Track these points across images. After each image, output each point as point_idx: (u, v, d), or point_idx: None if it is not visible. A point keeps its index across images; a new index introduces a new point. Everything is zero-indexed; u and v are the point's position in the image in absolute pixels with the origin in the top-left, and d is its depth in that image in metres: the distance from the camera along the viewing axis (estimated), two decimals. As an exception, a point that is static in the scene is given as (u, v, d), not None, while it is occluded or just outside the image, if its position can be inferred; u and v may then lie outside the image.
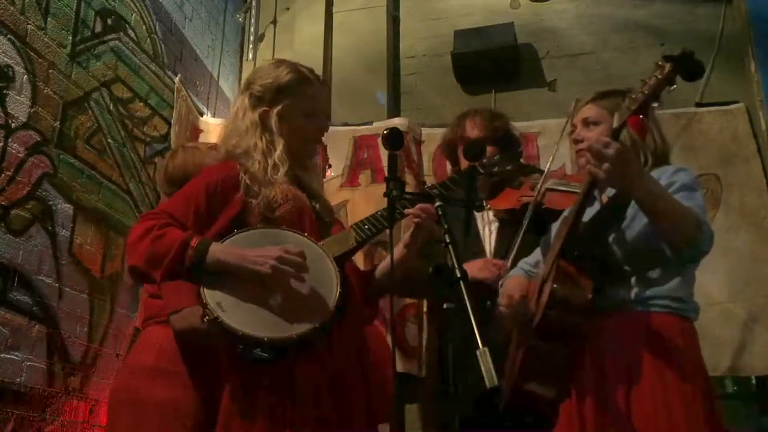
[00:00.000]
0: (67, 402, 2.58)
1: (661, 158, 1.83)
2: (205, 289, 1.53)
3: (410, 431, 3.01)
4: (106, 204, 2.94)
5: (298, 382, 1.53)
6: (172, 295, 1.97)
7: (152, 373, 2.00)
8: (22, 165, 2.48)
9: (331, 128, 2.61)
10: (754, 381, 3.20)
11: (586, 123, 1.90)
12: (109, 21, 3.08)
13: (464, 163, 2.45)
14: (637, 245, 1.68)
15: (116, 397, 2.08)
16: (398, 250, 1.79)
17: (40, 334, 2.49)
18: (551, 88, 3.90)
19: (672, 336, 1.62)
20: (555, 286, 1.59)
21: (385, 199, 1.64)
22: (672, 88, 1.57)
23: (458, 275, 1.43)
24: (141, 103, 3.27)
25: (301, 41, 4.23)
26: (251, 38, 4.36)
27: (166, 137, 3.42)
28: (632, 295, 1.68)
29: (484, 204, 2.44)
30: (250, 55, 4.32)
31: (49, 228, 2.60)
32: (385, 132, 1.66)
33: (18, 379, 2.36)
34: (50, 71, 2.67)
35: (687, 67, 1.56)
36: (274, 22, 4.41)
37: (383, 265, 1.87)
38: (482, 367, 1.24)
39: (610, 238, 1.73)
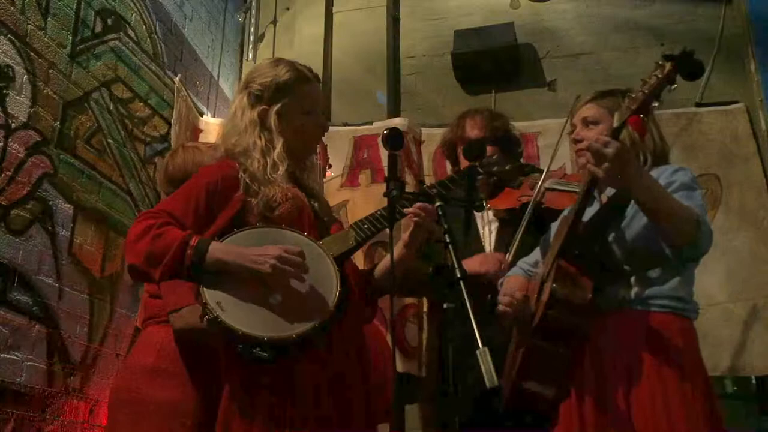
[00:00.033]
0: (67, 402, 2.58)
1: (660, 158, 1.83)
2: (204, 289, 1.53)
3: (410, 431, 3.00)
4: (106, 204, 2.94)
5: (297, 382, 1.54)
6: (171, 294, 1.97)
7: (152, 373, 2.00)
8: (22, 165, 2.48)
9: (331, 128, 2.61)
10: (754, 381, 3.20)
11: (586, 123, 1.90)
12: (109, 21, 3.09)
13: (464, 163, 2.45)
14: (636, 245, 1.68)
15: (116, 397, 2.08)
16: (398, 250, 1.79)
17: (40, 334, 2.49)
18: (551, 88, 3.90)
19: (672, 335, 1.62)
20: (555, 285, 1.59)
21: (385, 199, 1.64)
22: (672, 87, 1.57)
23: (458, 275, 1.43)
24: (141, 103, 3.27)
25: (301, 41, 4.23)
26: (251, 38, 4.36)
27: (166, 137, 3.42)
28: (632, 294, 1.68)
29: (484, 204, 2.44)
30: (250, 55, 4.32)
31: (49, 228, 2.60)
32: (385, 132, 1.66)
33: (18, 379, 2.36)
34: (50, 71, 2.67)
35: (687, 66, 1.56)
36: (274, 22, 4.41)
37: (383, 264, 1.87)
38: (482, 367, 1.25)
39: (610, 238, 1.73)
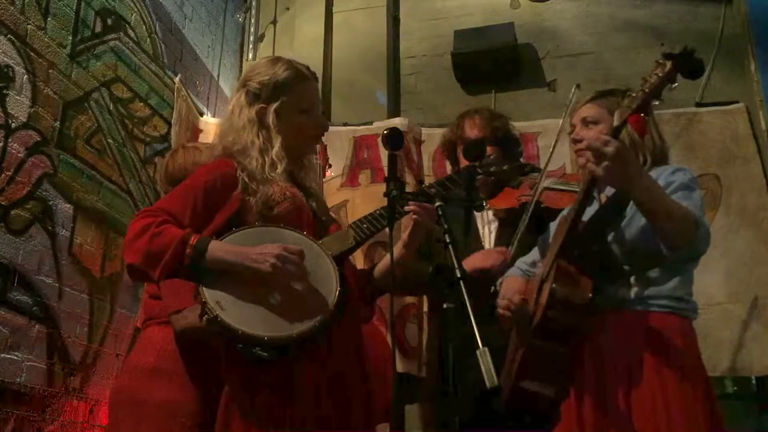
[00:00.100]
0: (67, 402, 2.58)
1: (660, 158, 1.83)
2: (204, 288, 1.53)
3: (410, 431, 3.00)
4: (106, 204, 2.94)
5: (297, 382, 1.53)
6: (172, 296, 1.97)
7: (152, 374, 2.01)
8: (22, 165, 2.48)
9: (331, 128, 2.61)
10: (753, 381, 3.19)
11: (586, 122, 1.89)
12: (109, 21, 3.08)
13: (464, 163, 2.45)
14: (635, 244, 1.68)
15: (117, 397, 2.08)
16: (397, 249, 1.79)
17: (40, 334, 2.49)
18: (551, 88, 3.89)
19: (671, 335, 1.62)
20: (555, 285, 1.59)
21: (385, 198, 1.64)
22: (673, 86, 1.57)
23: (458, 275, 1.43)
24: (141, 103, 3.27)
25: (301, 41, 4.23)
26: (251, 38, 4.36)
27: (166, 137, 3.42)
28: (632, 294, 1.68)
29: (484, 204, 2.44)
30: (250, 55, 4.32)
31: (49, 228, 2.60)
32: (385, 132, 1.66)
33: (18, 379, 2.36)
34: (50, 71, 2.67)
35: (687, 64, 1.56)
36: (274, 22, 4.41)
37: (382, 264, 1.87)
38: (482, 367, 1.24)
39: (610, 238, 1.73)
